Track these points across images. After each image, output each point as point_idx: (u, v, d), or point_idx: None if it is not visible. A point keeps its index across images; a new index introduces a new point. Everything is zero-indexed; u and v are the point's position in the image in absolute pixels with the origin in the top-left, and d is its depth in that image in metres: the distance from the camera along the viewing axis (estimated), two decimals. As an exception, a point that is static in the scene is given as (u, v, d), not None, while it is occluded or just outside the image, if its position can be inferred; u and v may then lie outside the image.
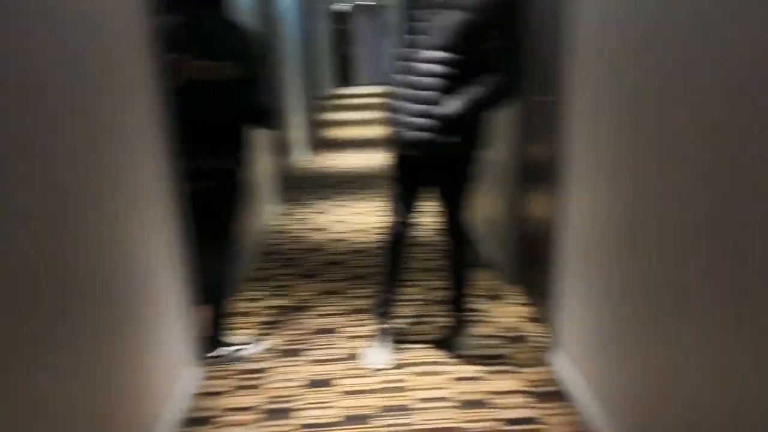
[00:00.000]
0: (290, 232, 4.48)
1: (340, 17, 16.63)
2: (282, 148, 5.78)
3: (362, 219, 4.72)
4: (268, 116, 2.51)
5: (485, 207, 3.97)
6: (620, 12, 1.76)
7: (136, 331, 1.89)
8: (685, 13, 1.41)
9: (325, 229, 4.52)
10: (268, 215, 4.58)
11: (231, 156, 2.45)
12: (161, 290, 2.14)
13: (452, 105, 2.22)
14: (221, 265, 2.65)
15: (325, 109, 11.62)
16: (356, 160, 7.14)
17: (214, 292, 2.65)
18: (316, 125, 8.84)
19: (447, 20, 2.21)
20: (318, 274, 3.63)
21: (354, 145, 8.19)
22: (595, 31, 1.95)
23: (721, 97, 1.28)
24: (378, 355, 2.63)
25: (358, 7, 16.15)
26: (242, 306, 3.23)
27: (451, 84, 2.22)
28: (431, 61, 2.24)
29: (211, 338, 2.68)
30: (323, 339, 2.86)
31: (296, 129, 7.14)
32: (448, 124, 2.23)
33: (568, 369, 2.38)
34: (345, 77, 17.12)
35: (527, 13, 2.89)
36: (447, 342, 2.73)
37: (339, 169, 6.70)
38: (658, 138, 1.57)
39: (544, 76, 2.64)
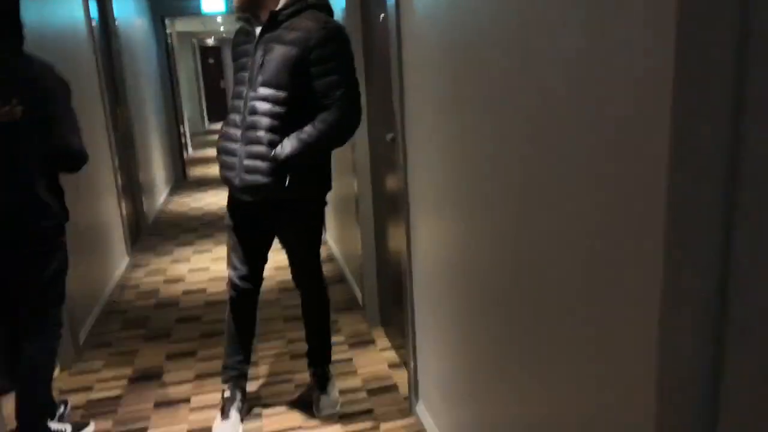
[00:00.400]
0: (139, 287, 4.03)
1: (211, 52, 16.09)
2: (136, 190, 5.29)
3: (224, 266, 4.36)
4: (71, 158, 2.10)
5: (346, 245, 3.79)
6: (441, 47, 1.66)
7: None
8: (499, 40, 1.31)
9: (181, 280, 4.11)
10: (113, 268, 4.10)
11: (32, 207, 2.06)
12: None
13: (284, 146, 2.02)
14: (38, 340, 2.22)
15: (192, 146, 11.07)
16: (224, 200, 6.73)
17: (28, 372, 2.22)
18: (181, 163, 8.32)
19: (272, 55, 2.01)
20: (167, 335, 3.25)
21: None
22: (422, 69, 1.85)
23: (542, 129, 1.17)
24: (227, 428, 2.31)
25: (227, 42, 15.73)
26: (71, 382, 2.77)
27: (281, 123, 2.02)
28: (257, 98, 2.03)
29: (30, 428, 2.23)
30: (166, 413, 2.50)
31: (156, 168, 6.64)
32: (279, 166, 2.02)
33: (427, 419, 2.22)
34: (217, 112, 16.55)
35: (369, 48, 2.79)
36: (310, 401, 2.48)
37: (205, 211, 6.27)
38: (485, 167, 1.46)
39: (385, 113, 2.52)
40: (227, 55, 16.48)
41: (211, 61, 16.20)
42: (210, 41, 15.57)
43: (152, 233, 5.42)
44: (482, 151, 1.49)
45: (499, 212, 1.42)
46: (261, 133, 2.03)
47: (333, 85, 2.00)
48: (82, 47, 3.89)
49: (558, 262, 1.15)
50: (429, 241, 2.01)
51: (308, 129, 2.02)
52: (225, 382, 2.40)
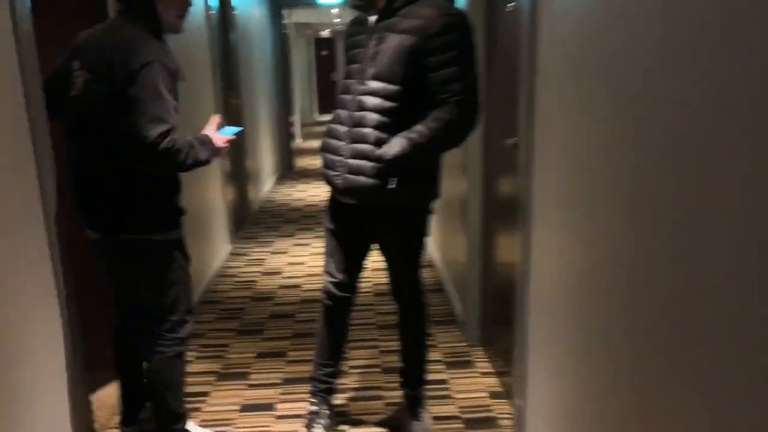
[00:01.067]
0: (237, 276, 4.01)
1: (325, 43, 16.34)
2: (242, 177, 5.34)
3: (321, 261, 4.25)
4: (140, 149, 1.74)
5: (448, 251, 3.54)
6: (587, 47, 1.37)
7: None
8: (649, 45, 1.01)
9: (278, 273, 4.05)
10: (215, 256, 4.12)
11: (104, 203, 1.88)
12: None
13: (392, 145, 1.80)
14: (152, 352, 2.02)
15: (301, 137, 11.24)
16: (327, 193, 6.69)
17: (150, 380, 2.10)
18: (289, 153, 8.42)
19: (386, 45, 1.80)
20: (259, 330, 3.17)
21: (327, 176, 7.76)
22: (560, 65, 1.56)
23: (689, 135, 0.87)
24: (312, 444, 2.16)
25: (340, 34, 15.90)
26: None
27: (391, 120, 1.81)
28: (367, 93, 1.83)
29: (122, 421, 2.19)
30: (251, 419, 2.39)
31: (264, 157, 6.72)
32: (386, 167, 1.81)
33: (538, 469, 1.93)
34: (328, 104, 16.80)
35: (489, 40, 2.51)
36: (400, 424, 2.27)
37: (307, 202, 6.25)
38: (640, 175, 1.16)
39: (505, 113, 2.24)
40: (340, 48, 16.68)
41: (324, 52, 16.45)
42: (325, 33, 15.79)
43: (256, 222, 5.46)
44: (637, 156, 1.19)
45: (652, 229, 1.13)
46: (368, 131, 1.83)
47: (451, 78, 1.76)
48: (199, 35, 3.90)
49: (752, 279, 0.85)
50: (553, 256, 1.73)
51: (420, 128, 1.79)
52: (312, 395, 2.25)
